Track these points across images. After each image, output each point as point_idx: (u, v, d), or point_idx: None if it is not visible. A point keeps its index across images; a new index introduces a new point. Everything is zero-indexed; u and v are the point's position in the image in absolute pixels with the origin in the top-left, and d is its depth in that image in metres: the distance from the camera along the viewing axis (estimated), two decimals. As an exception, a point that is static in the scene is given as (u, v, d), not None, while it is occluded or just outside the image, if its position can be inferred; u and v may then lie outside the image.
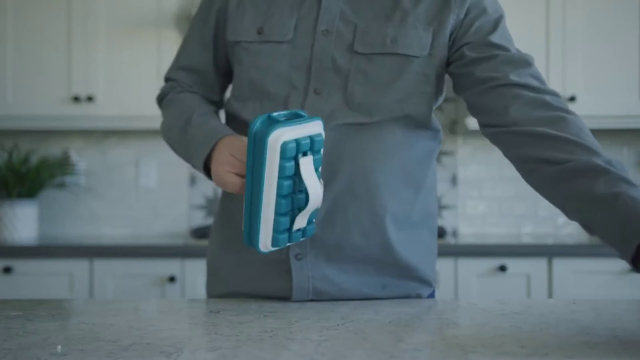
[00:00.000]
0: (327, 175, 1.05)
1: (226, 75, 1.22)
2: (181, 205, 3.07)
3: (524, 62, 1.06)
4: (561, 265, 2.50)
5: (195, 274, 2.48)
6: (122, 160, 3.08)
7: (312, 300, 1.07)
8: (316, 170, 0.94)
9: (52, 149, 3.06)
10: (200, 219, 3.07)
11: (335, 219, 1.06)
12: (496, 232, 3.08)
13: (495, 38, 1.07)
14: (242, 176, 0.96)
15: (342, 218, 1.06)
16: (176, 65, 1.23)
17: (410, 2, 1.08)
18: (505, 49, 1.07)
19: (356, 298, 1.08)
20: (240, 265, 1.12)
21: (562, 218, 3.08)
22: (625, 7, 2.75)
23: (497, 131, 1.05)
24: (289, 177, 0.91)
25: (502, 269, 2.48)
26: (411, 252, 1.10)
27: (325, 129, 1.03)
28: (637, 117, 2.75)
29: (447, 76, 1.14)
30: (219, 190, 3.05)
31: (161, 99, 1.24)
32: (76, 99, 2.72)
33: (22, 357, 0.71)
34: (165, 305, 1.13)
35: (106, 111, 2.74)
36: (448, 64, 1.11)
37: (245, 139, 0.97)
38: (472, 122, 2.65)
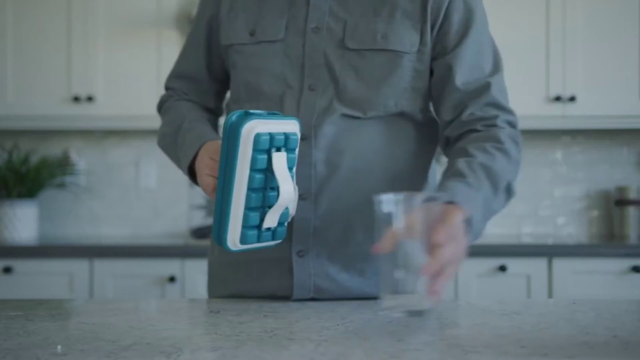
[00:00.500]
0: (327, 171, 1.06)
1: (221, 81, 1.23)
2: (181, 205, 3.07)
3: (482, 89, 1.08)
4: (561, 265, 2.50)
5: (195, 274, 2.48)
6: (122, 160, 3.08)
7: (312, 299, 1.07)
8: (290, 169, 0.94)
9: (52, 149, 3.06)
10: (200, 219, 3.07)
11: (337, 215, 1.06)
12: (496, 232, 3.08)
13: (461, 53, 1.08)
14: (214, 177, 0.97)
15: (344, 214, 1.06)
16: (173, 74, 1.27)
17: None
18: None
19: (357, 297, 1.08)
20: (241, 265, 1.13)
21: (562, 218, 3.08)
22: (625, 7, 2.75)
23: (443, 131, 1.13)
24: (261, 171, 0.91)
25: (502, 269, 2.48)
26: None
27: (325, 123, 1.04)
28: (637, 117, 2.76)
29: None
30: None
31: (160, 107, 1.27)
32: (76, 99, 2.72)
33: (22, 357, 0.71)
34: (165, 305, 1.13)
35: (106, 111, 2.74)
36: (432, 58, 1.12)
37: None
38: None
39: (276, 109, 1.09)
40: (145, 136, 3.07)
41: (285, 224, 0.99)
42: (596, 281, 2.50)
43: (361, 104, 1.07)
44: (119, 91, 2.75)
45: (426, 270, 0.80)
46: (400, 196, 0.82)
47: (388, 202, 0.83)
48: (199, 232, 2.75)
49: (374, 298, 1.08)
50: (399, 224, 0.82)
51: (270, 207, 0.93)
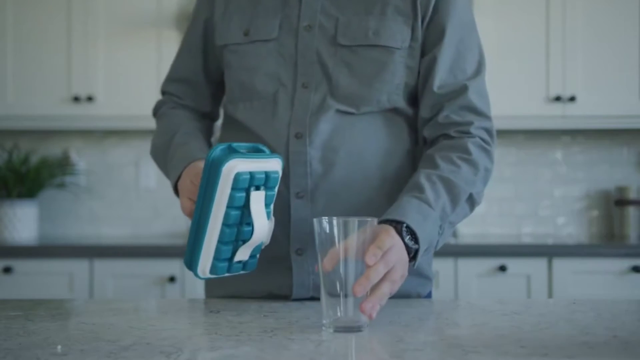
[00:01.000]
0: (323, 168, 1.06)
1: (217, 84, 1.24)
2: (181, 205, 3.07)
3: (460, 91, 1.09)
4: (561, 265, 2.50)
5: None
6: (122, 160, 3.08)
7: (312, 298, 1.07)
8: (267, 206, 0.96)
9: (52, 149, 3.06)
10: (200, 219, 3.07)
11: (334, 213, 1.06)
12: (496, 232, 3.08)
13: (442, 52, 1.09)
14: (195, 201, 0.98)
15: (340, 211, 1.06)
16: (169, 78, 1.27)
17: None
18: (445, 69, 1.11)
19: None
20: None
21: (562, 218, 3.08)
22: (625, 7, 2.75)
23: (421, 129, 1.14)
24: (238, 208, 0.91)
25: (502, 269, 2.48)
26: None
27: (319, 120, 1.05)
28: (637, 117, 2.76)
29: None
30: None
31: (155, 112, 1.28)
32: (76, 99, 2.72)
33: (22, 357, 0.71)
34: (165, 305, 1.13)
35: (106, 111, 2.74)
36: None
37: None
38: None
39: (270, 108, 1.09)
40: (145, 136, 3.07)
41: (257, 255, 1.00)
42: (596, 281, 2.50)
43: (354, 100, 1.08)
44: (119, 91, 2.75)
45: (355, 289, 0.81)
46: (341, 220, 0.84)
47: (330, 224, 0.84)
48: (199, 232, 2.74)
49: None
50: (338, 245, 0.83)
51: (244, 241, 0.95)
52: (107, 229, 3.06)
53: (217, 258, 0.93)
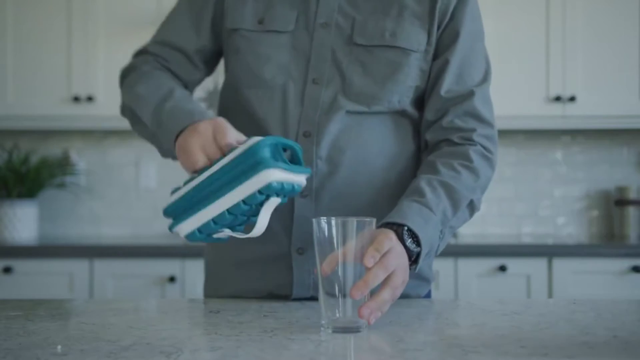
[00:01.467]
0: (329, 168, 1.07)
1: (205, 66, 1.21)
2: (181, 205, 3.07)
3: (466, 96, 1.10)
4: (561, 265, 2.50)
5: (195, 274, 2.48)
6: (122, 160, 3.08)
7: (312, 298, 1.07)
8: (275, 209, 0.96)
9: (52, 149, 3.06)
10: (200, 219, 3.07)
11: (337, 213, 1.06)
12: (496, 232, 3.08)
13: (453, 58, 1.10)
14: (208, 159, 0.96)
15: (343, 212, 1.06)
16: (158, 41, 1.22)
17: None
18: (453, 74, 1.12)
19: None
20: (240, 264, 1.12)
21: (562, 218, 3.08)
22: (625, 7, 2.75)
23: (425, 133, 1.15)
24: (250, 205, 0.91)
25: (502, 269, 2.48)
26: None
27: (329, 121, 1.06)
28: (637, 117, 2.76)
29: None
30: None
31: (130, 71, 1.21)
32: (76, 99, 2.72)
33: (22, 357, 0.71)
34: (165, 305, 1.13)
35: (106, 111, 2.74)
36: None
37: (233, 131, 0.97)
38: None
39: (279, 100, 1.08)
40: (145, 136, 3.07)
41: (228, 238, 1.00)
42: (596, 281, 2.50)
43: (366, 99, 1.08)
44: (119, 91, 2.74)
45: (353, 293, 0.81)
46: (339, 220, 0.83)
47: (328, 224, 0.84)
48: (199, 232, 2.74)
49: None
50: (337, 245, 0.83)
51: (232, 228, 0.95)
52: (107, 229, 3.06)
53: (201, 230, 0.94)
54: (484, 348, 0.75)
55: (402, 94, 1.10)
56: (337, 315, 0.83)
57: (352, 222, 0.83)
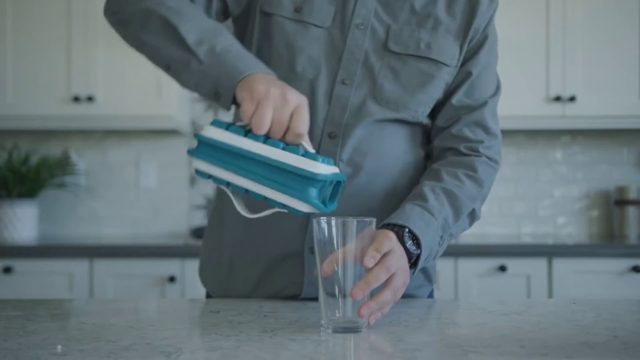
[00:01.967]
0: (351, 170, 1.07)
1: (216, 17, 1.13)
2: (181, 205, 3.07)
3: (478, 106, 1.12)
4: (561, 265, 2.50)
5: (195, 274, 2.48)
6: (122, 160, 3.08)
7: (315, 298, 1.07)
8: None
9: (52, 149, 3.06)
10: (200, 219, 3.07)
11: (352, 213, 1.06)
12: (496, 232, 3.08)
13: (475, 70, 1.13)
14: (271, 127, 0.88)
15: (360, 212, 1.06)
16: None
17: (442, 13, 1.11)
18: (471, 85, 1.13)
19: None
20: (253, 260, 1.12)
21: (562, 218, 3.08)
22: (625, 7, 2.75)
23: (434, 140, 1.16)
24: (272, 205, 0.90)
25: (502, 269, 2.48)
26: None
27: (356, 126, 1.06)
28: (637, 117, 2.76)
29: None
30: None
31: None
32: (76, 99, 2.72)
33: (22, 357, 0.71)
34: (165, 305, 1.13)
35: (106, 111, 2.74)
36: None
37: (308, 123, 0.91)
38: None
39: (307, 93, 1.05)
40: (145, 136, 3.08)
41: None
42: (596, 281, 2.50)
43: (396, 106, 1.08)
44: (119, 91, 2.75)
45: (354, 293, 0.81)
46: (339, 220, 0.83)
47: (328, 225, 0.84)
48: (199, 232, 2.75)
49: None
50: (337, 246, 0.83)
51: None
52: (107, 229, 3.06)
53: (214, 180, 0.93)
54: (484, 348, 0.75)
55: (426, 105, 1.11)
56: (337, 315, 0.83)
57: (352, 222, 0.83)
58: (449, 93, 1.13)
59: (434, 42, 1.09)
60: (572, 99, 2.73)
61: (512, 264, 2.49)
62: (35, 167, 2.80)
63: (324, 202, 0.88)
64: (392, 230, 0.95)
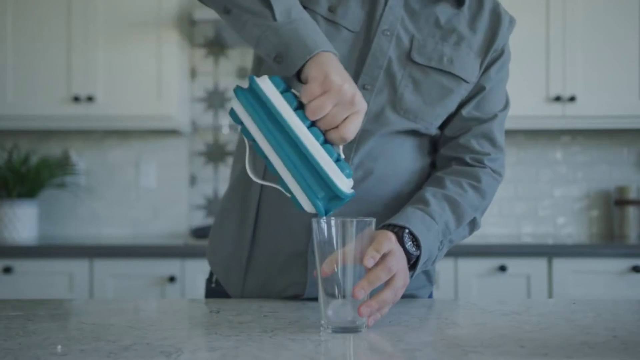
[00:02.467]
0: (361, 174, 1.07)
1: None
2: (181, 205, 3.07)
3: (487, 119, 1.13)
4: (561, 265, 2.50)
5: (195, 274, 2.48)
6: (122, 160, 3.08)
7: (316, 298, 1.07)
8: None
9: (52, 149, 3.06)
10: (200, 219, 3.07)
11: (359, 215, 1.06)
12: (496, 232, 3.08)
13: (488, 85, 1.13)
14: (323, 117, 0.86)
15: (366, 214, 1.06)
16: None
17: (465, 29, 1.11)
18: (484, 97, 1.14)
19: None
20: (257, 260, 1.12)
21: (562, 218, 3.08)
22: (625, 7, 2.76)
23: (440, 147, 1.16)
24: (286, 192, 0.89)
25: (502, 269, 2.48)
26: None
27: (373, 134, 1.05)
28: (637, 117, 2.76)
29: None
30: (222, 189, 3.05)
31: None
32: (76, 99, 2.72)
33: (22, 357, 0.71)
34: (165, 305, 1.13)
35: (106, 111, 2.74)
36: None
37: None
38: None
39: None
40: (145, 136, 3.08)
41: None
42: (596, 281, 2.50)
43: (414, 117, 1.08)
44: (119, 91, 2.75)
45: (356, 292, 0.81)
46: (339, 220, 0.83)
47: (328, 225, 0.83)
48: (199, 232, 2.75)
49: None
50: (336, 246, 0.83)
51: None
52: (107, 229, 3.06)
53: (245, 136, 0.88)
54: (484, 348, 0.75)
55: (441, 118, 1.11)
56: (337, 315, 0.83)
57: (352, 222, 0.83)
58: (460, 105, 1.13)
59: (456, 58, 1.09)
60: (572, 99, 2.73)
61: (512, 264, 2.49)
62: (35, 167, 2.80)
63: (327, 210, 0.88)
64: (392, 231, 0.95)
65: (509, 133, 2.98)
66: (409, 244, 0.95)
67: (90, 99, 2.72)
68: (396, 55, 1.07)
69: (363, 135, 1.06)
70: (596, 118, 2.76)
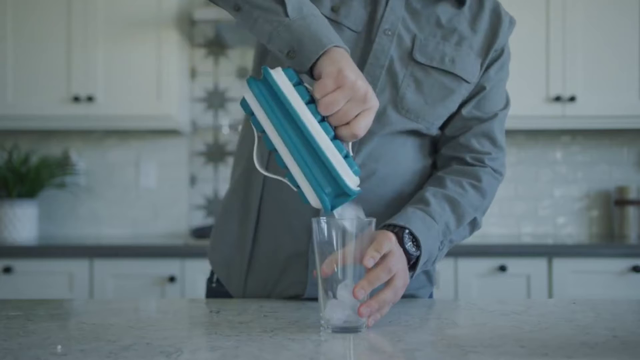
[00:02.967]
0: (363, 175, 1.06)
1: None
2: (181, 205, 3.07)
3: (487, 119, 1.13)
4: (561, 265, 2.50)
5: (195, 274, 2.48)
6: (122, 160, 3.08)
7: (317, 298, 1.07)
8: None
9: (52, 149, 3.06)
10: (200, 219, 3.07)
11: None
12: (496, 232, 3.08)
13: (489, 85, 1.13)
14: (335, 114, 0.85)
15: (368, 214, 1.06)
16: None
17: (467, 29, 1.11)
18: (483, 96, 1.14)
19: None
20: (259, 260, 1.12)
21: (562, 218, 3.08)
22: (625, 7, 2.76)
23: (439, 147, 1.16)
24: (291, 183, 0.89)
25: (502, 269, 2.48)
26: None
27: (375, 135, 1.05)
28: (637, 117, 2.76)
29: None
30: (222, 189, 3.05)
31: None
32: (76, 99, 2.72)
33: (22, 357, 0.71)
34: (165, 305, 1.13)
35: (106, 111, 2.74)
36: None
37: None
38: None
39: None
40: (145, 136, 3.08)
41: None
42: (596, 281, 2.50)
43: (416, 117, 1.08)
44: (119, 91, 2.75)
45: (356, 292, 0.81)
46: (340, 222, 0.83)
47: (328, 224, 0.83)
48: (199, 232, 2.75)
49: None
50: (336, 247, 0.83)
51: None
52: (107, 229, 3.06)
53: (255, 127, 0.87)
54: (484, 348, 0.75)
55: (442, 119, 1.11)
56: (337, 315, 0.83)
57: (352, 222, 0.83)
58: (460, 104, 1.13)
59: (457, 58, 1.09)
60: (572, 99, 2.73)
61: (512, 264, 2.49)
62: (35, 167, 2.80)
63: (332, 206, 0.87)
64: (392, 231, 0.95)
65: (509, 133, 2.98)
66: (408, 244, 0.95)
67: (90, 99, 2.72)
68: (398, 54, 1.07)
69: (365, 136, 1.06)
70: (596, 118, 2.76)
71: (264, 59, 1.14)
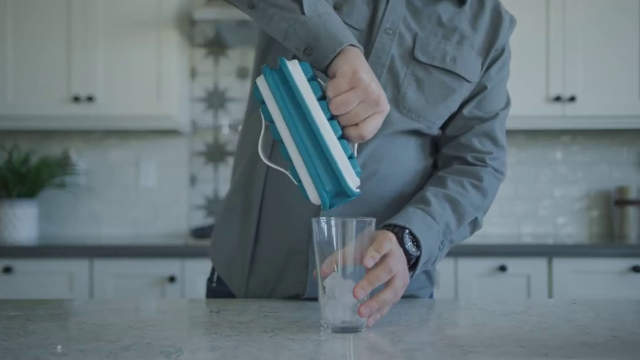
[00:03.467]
0: (365, 175, 1.06)
1: None
2: (181, 205, 3.07)
3: (489, 118, 1.13)
4: (561, 265, 2.50)
5: (195, 274, 2.48)
6: (122, 160, 3.08)
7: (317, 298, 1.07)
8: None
9: (52, 149, 3.06)
10: (200, 219, 3.07)
11: (361, 215, 1.06)
12: (496, 232, 3.08)
13: (490, 84, 1.14)
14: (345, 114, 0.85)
15: (368, 214, 1.06)
16: None
17: (468, 28, 1.11)
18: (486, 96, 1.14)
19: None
20: (261, 258, 1.12)
21: (562, 218, 3.08)
22: (625, 7, 2.76)
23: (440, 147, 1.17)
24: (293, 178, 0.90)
25: (502, 269, 2.48)
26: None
27: (376, 134, 1.04)
28: (637, 117, 2.76)
29: None
30: (222, 189, 3.05)
31: None
32: (76, 99, 2.72)
33: (22, 357, 0.71)
34: (165, 305, 1.13)
35: (106, 111, 2.74)
36: None
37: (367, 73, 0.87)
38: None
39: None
40: (145, 136, 3.08)
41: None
42: (596, 281, 2.50)
43: (417, 116, 1.08)
44: (119, 91, 2.75)
45: (356, 292, 0.81)
46: (339, 220, 0.83)
47: (328, 224, 0.83)
48: (199, 232, 2.75)
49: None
50: (336, 246, 0.83)
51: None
52: (107, 229, 3.06)
53: (265, 118, 0.87)
54: (484, 348, 0.75)
55: (443, 118, 1.11)
56: (337, 315, 0.83)
57: (352, 222, 0.83)
58: (461, 104, 1.13)
59: (459, 57, 1.09)
60: (572, 99, 2.73)
61: (512, 264, 2.49)
62: (35, 167, 2.80)
63: (331, 204, 0.87)
64: (392, 231, 0.95)
65: (509, 133, 2.98)
66: (409, 245, 0.95)
67: (90, 99, 2.72)
68: (399, 53, 1.07)
69: None
70: (596, 118, 2.76)
71: (265, 59, 1.14)
